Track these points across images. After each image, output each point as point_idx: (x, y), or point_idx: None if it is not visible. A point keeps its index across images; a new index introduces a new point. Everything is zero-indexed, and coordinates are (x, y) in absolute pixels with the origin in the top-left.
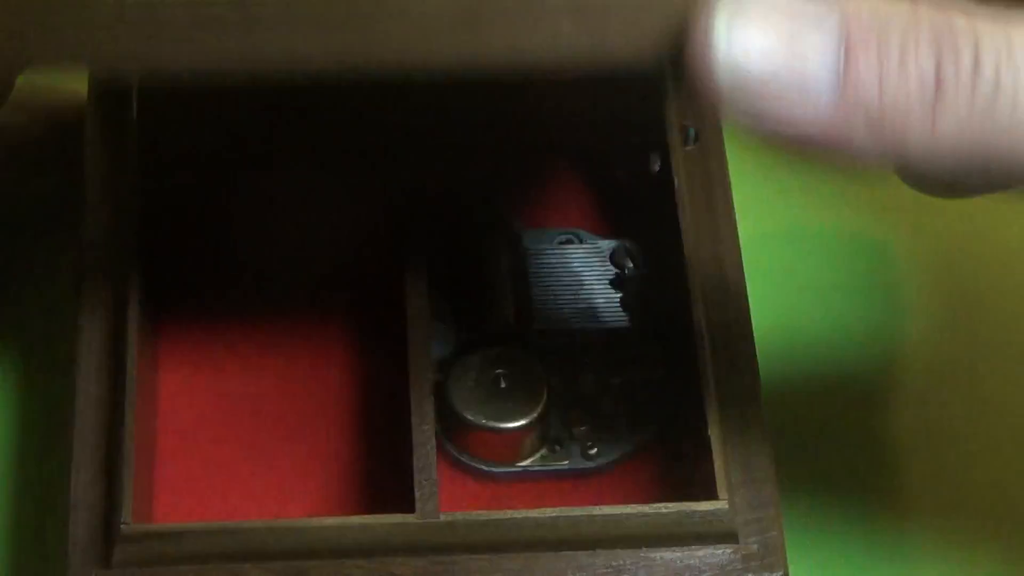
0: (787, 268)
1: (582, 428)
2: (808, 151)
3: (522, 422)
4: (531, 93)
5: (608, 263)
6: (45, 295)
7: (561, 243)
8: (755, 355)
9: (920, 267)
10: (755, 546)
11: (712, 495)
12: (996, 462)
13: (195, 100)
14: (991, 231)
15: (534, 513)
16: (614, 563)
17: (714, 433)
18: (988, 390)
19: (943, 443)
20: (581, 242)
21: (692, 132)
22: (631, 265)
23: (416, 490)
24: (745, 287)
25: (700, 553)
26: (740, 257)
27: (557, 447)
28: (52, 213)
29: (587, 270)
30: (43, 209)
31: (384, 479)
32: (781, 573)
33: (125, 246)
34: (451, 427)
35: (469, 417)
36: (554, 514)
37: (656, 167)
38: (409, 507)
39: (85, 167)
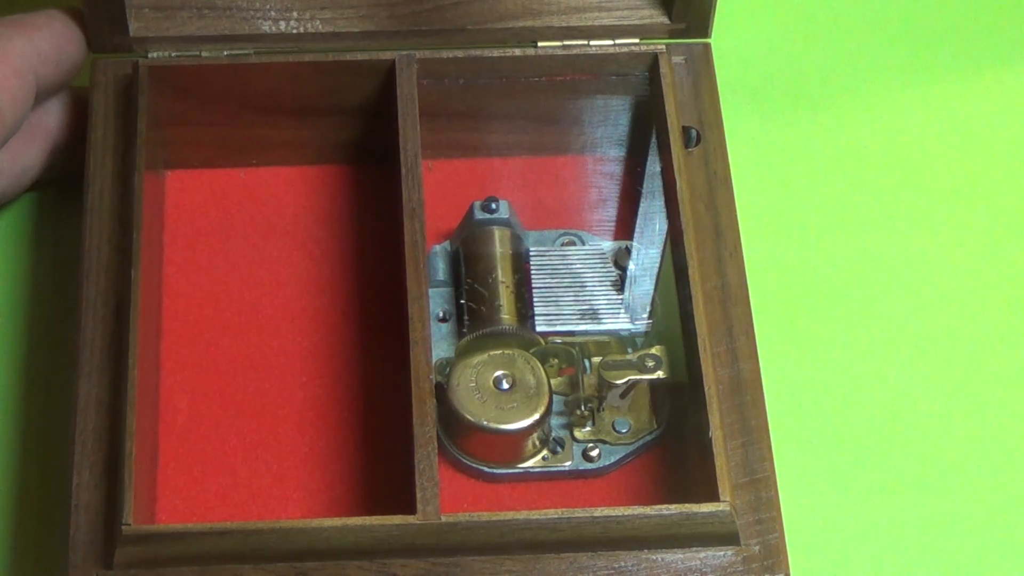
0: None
1: (583, 430)
2: None
3: (523, 424)
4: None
5: (609, 264)
6: (45, 296)
7: (563, 244)
8: (757, 356)
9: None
10: (757, 548)
11: (714, 497)
12: (1002, 468)
13: (199, 100)
14: None
15: (535, 515)
16: (615, 565)
17: (715, 435)
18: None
19: (945, 444)
20: (583, 243)
21: (694, 133)
22: (632, 266)
23: (417, 491)
24: (747, 287)
25: (702, 555)
26: (742, 258)
27: (558, 449)
28: (53, 212)
29: (588, 271)
30: (43, 208)
31: (385, 480)
32: (783, 575)
33: (125, 247)
34: (452, 428)
35: (470, 418)
36: (555, 516)
37: (658, 167)
38: (410, 508)
39: (87, 168)
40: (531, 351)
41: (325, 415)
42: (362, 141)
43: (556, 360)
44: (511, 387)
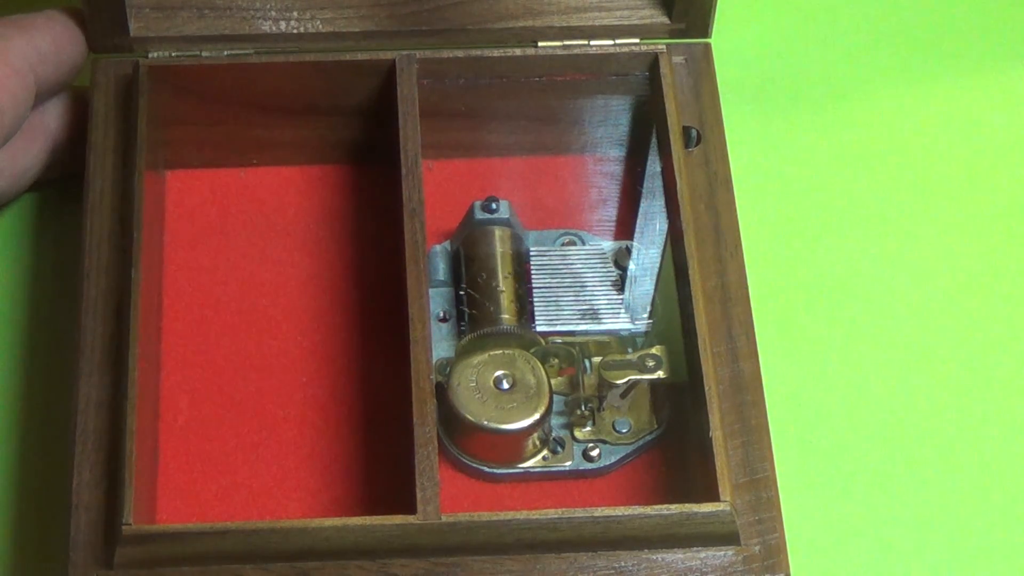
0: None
1: (584, 430)
2: None
3: (524, 424)
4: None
5: (610, 264)
6: (45, 296)
7: (563, 244)
8: (757, 356)
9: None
10: (757, 548)
11: (714, 497)
12: (1002, 467)
13: (199, 100)
14: None
15: (535, 514)
16: (616, 564)
17: (715, 435)
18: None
19: (945, 444)
20: (583, 243)
21: (694, 133)
22: (632, 266)
23: (417, 491)
24: (747, 287)
25: (702, 555)
26: (742, 258)
27: (559, 449)
28: (53, 212)
29: (589, 271)
30: (43, 208)
31: (385, 480)
32: (783, 575)
33: (125, 246)
34: (452, 428)
35: (470, 418)
36: (555, 515)
37: (658, 167)
38: (410, 508)
39: (87, 168)
40: (531, 351)
41: (325, 415)
42: (362, 141)
43: (556, 360)
44: (511, 387)
